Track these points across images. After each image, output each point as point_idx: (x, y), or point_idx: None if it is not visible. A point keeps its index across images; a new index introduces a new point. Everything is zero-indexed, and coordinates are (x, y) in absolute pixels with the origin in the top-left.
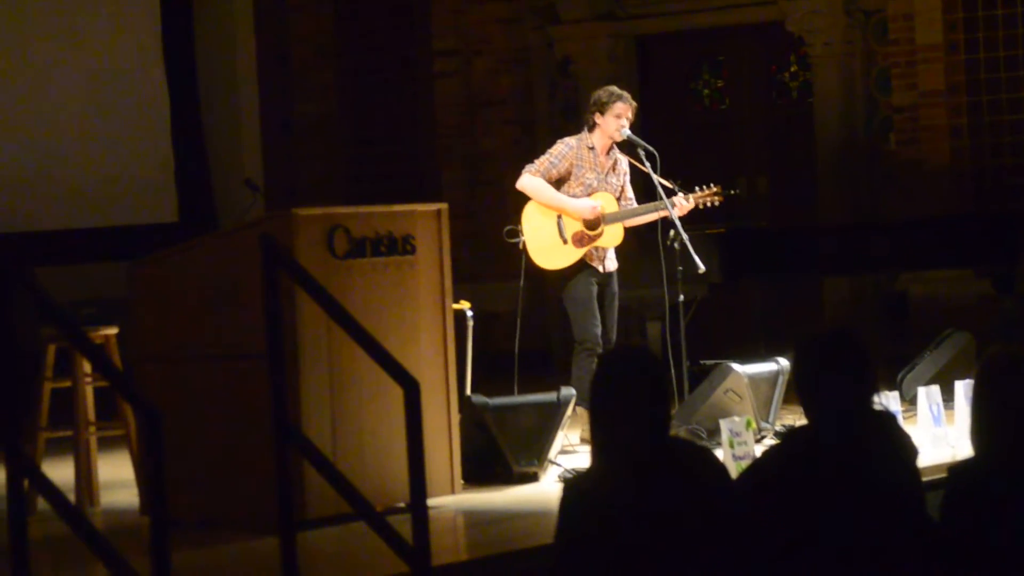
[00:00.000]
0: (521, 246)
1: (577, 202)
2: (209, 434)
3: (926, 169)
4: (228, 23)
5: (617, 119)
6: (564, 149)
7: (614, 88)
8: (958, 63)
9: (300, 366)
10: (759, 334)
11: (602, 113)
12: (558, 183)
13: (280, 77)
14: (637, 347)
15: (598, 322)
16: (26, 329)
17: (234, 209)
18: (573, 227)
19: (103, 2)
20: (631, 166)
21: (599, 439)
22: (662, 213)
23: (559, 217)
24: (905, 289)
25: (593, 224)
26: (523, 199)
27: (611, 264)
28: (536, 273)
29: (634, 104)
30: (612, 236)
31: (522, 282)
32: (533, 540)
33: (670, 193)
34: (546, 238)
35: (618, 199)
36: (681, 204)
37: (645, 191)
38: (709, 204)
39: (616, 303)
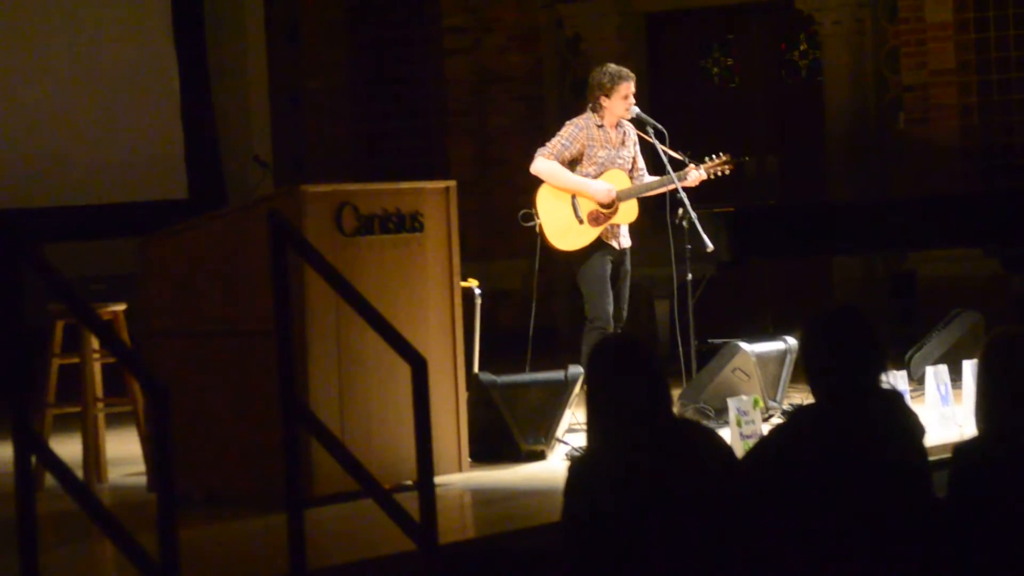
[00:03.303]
0: (537, 229)
1: (593, 184)
2: (217, 411)
3: (936, 148)
4: None
5: (625, 100)
6: (574, 131)
7: (613, 68)
8: (968, 41)
9: (308, 343)
10: (767, 313)
11: (608, 96)
12: (570, 164)
13: (290, 53)
14: (627, 335)
15: (611, 300)
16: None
17: (243, 186)
18: (588, 206)
19: None
20: (640, 139)
21: (593, 422)
22: (672, 187)
23: (573, 198)
24: (914, 268)
25: (608, 204)
26: (533, 179)
27: (625, 241)
28: (550, 253)
29: (634, 77)
30: (627, 212)
31: (536, 265)
32: (540, 518)
33: (680, 166)
34: (562, 220)
35: (630, 171)
36: (693, 176)
37: (656, 166)
38: (720, 173)
39: (628, 280)
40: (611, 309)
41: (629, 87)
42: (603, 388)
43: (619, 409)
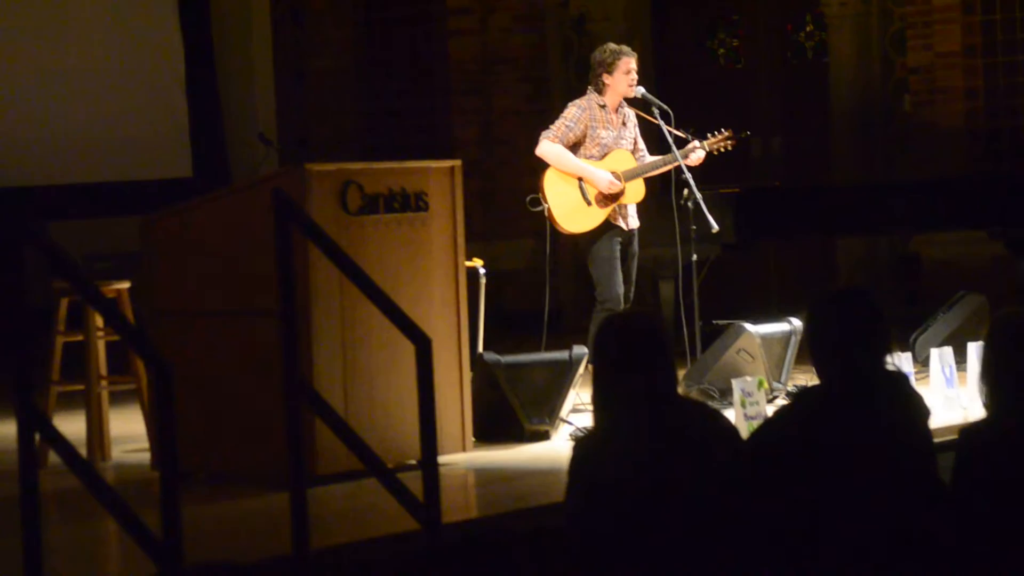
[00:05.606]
0: (545, 213)
1: (597, 172)
2: (221, 389)
3: (941, 130)
4: None
5: (627, 75)
6: (577, 112)
7: (613, 45)
8: (974, 24)
9: (312, 322)
10: (772, 294)
11: (610, 73)
12: (575, 145)
13: (294, 32)
14: (637, 312)
15: (621, 281)
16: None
17: (247, 164)
18: (595, 188)
19: None
20: (641, 119)
21: (598, 402)
22: (676, 164)
23: (580, 179)
24: (918, 251)
25: (612, 195)
26: (537, 161)
27: (633, 222)
28: (558, 236)
29: (635, 54)
30: (634, 192)
31: (548, 248)
32: (544, 498)
33: (683, 143)
34: (570, 202)
35: (632, 152)
36: (697, 155)
37: (659, 146)
38: (723, 149)
39: (636, 261)
40: (621, 290)
41: (630, 63)
42: (609, 367)
43: (624, 388)
